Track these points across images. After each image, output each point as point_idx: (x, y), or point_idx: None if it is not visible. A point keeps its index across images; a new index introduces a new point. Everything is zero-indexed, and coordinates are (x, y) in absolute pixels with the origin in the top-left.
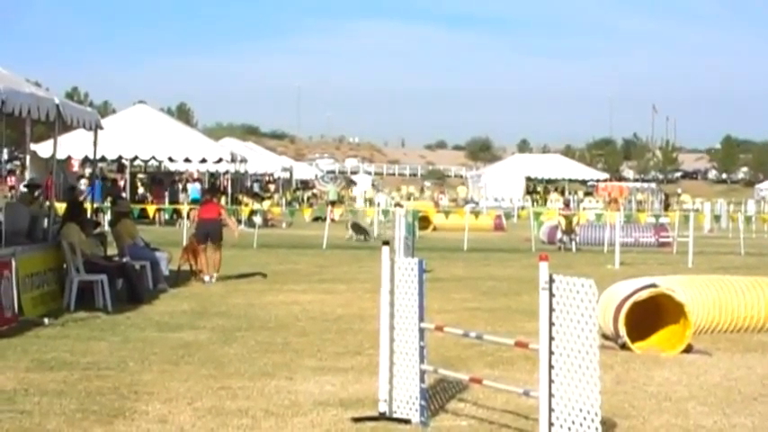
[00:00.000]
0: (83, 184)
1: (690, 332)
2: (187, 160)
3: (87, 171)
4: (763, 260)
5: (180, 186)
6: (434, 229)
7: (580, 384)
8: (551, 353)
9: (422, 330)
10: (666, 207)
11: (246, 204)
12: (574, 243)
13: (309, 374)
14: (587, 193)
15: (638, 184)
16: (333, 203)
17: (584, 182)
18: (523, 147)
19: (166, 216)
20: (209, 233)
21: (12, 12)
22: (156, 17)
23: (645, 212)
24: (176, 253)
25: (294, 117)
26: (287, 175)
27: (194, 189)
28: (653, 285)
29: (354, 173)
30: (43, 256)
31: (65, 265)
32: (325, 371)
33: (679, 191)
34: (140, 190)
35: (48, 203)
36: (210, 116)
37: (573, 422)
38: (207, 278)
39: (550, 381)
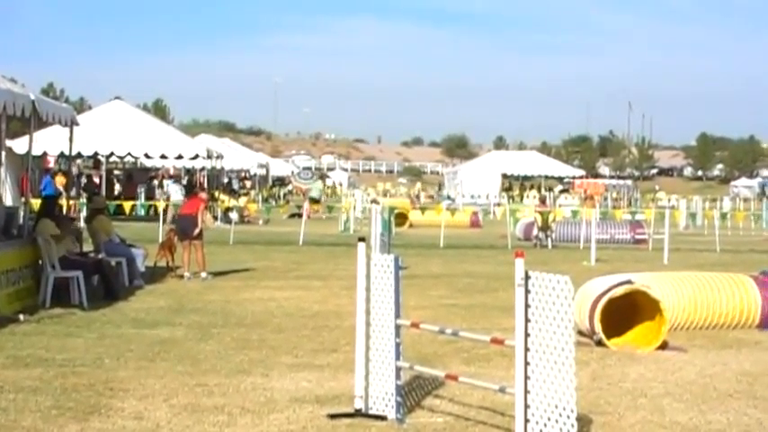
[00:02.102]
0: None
1: (665, 329)
2: (163, 157)
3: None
4: (738, 257)
5: (156, 183)
6: (411, 225)
7: (556, 381)
8: (527, 349)
9: (398, 327)
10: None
11: (223, 201)
12: (550, 240)
13: (285, 371)
14: (563, 190)
15: (614, 181)
16: (315, 201)
17: (560, 179)
18: (500, 143)
19: (142, 212)
20: (186, 229)
21: None
22: (132, 13)
23: (621, 209)
24: (153, 249)
25: (271, 114)
26: (263, 171)
27: (176, 189)
28: (628, 282)
29: (331, 169)
30: (18, 253)
31: (40, 262)
32: (302, 368)
33: (657, 187)
34: (117, 187)
35: (23, 199)
36: (187, 112)
37: (549, 418)
38: (187, 274)
39: (526, 377)
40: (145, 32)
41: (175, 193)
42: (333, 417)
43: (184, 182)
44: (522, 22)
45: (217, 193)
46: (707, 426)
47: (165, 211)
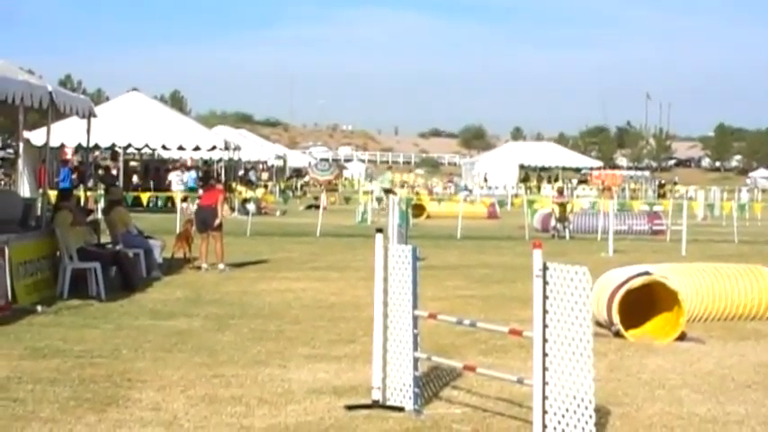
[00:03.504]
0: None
1: (683, 320)
2: (180, 148)
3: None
4: (756, 248)
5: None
6: (428, 216)
7: (574, 372)
8: (545, 340)
9: (415, 318)
10: (663, 195)
11: (240, 192)
12: (567, 231)
13: (303, 362)
14: (581, 181)
15: (632, 172)
16: (388, 191)
17: (577, 170)
18: (517, 134)
19: (160, 203)
20: (206, 220)
21: (6, 0)
22: (150, 5)
23: (638, 200)
24: (170, 241)
25: (287, 105)
26: (280, 163)
27: (191, 178)
28: (646, 273)
29: (348, 161)
30: (36, 244)
31: (58, 253)
32: (319, 359)
33: (676, 179)
34: (135, 179)
35: (41, 191)
36: (204, 104)
37: (567, 410)
38: (204, 266)
39: (544, 368)
40: (162, 24)
41: (177, 183)
42: (350, 408)
43: (200, 173)
44: (539, 14)
45: (234, 185)
46: (725, 417)
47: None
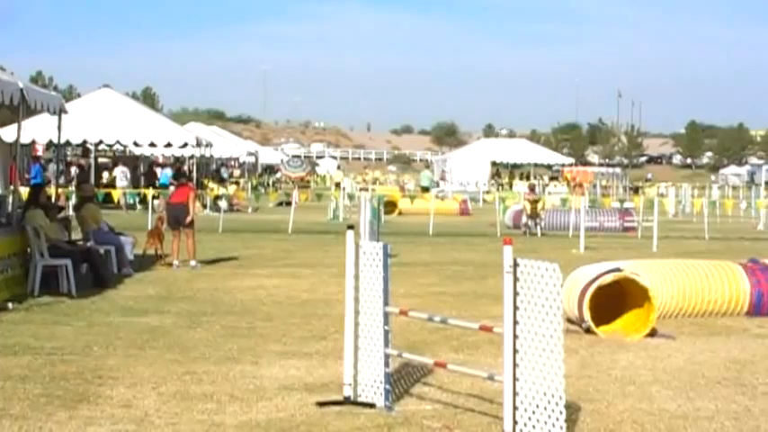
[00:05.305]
0: (50, 169)
1: (654, 316)
2: (152, 145)
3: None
4: (727, 245)
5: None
6: (400, 213)
7: (544, 368)
8: (516, 337)
9: (386, 315)
10: (637, 191)
11: (212, 189)
12: (539, 227)
13: (274, 359)
14: (552, 178)
15: (604, 169)
16: (426, 190)
17: (549, 166)
18: (489, 131)
19: (131, 201)
20: (178, 218)
21: None
22: (122, 1)
23: (610, 197)
24: (141, 237)
25: (260, 102)
26: (252, 159)
27: (165, 175)
28: (617, 269)
29: (320, 157)
30: (7, 241)
31: (29, 250)
32: (290, 355)
33: (649, 175)
34: (105, 175)
35: (12, 187)
36: (176, 101)
37: (537, 406)
38: (176, 263)
39: (515, 365)
40: (134, 20)
41: (121, 180)
42: (322, 404)
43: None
44: (511, 10)
45: (206, 182)
46: (695, 413)
47: (153, 198)
